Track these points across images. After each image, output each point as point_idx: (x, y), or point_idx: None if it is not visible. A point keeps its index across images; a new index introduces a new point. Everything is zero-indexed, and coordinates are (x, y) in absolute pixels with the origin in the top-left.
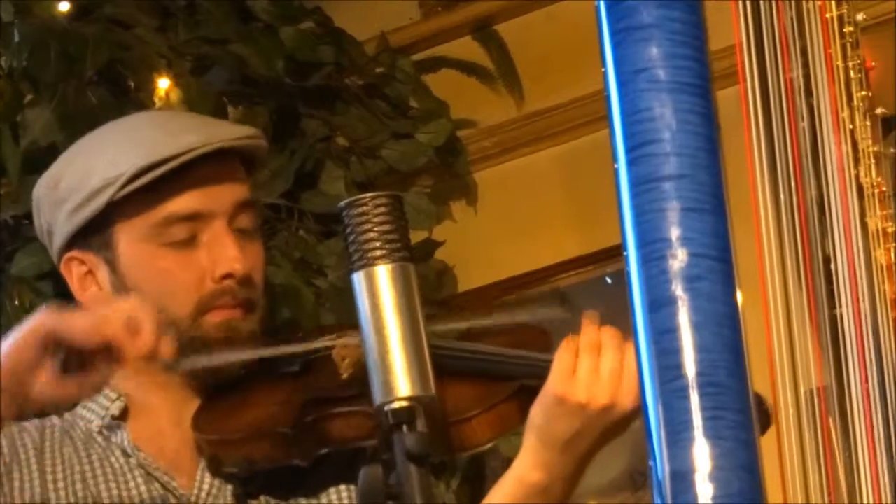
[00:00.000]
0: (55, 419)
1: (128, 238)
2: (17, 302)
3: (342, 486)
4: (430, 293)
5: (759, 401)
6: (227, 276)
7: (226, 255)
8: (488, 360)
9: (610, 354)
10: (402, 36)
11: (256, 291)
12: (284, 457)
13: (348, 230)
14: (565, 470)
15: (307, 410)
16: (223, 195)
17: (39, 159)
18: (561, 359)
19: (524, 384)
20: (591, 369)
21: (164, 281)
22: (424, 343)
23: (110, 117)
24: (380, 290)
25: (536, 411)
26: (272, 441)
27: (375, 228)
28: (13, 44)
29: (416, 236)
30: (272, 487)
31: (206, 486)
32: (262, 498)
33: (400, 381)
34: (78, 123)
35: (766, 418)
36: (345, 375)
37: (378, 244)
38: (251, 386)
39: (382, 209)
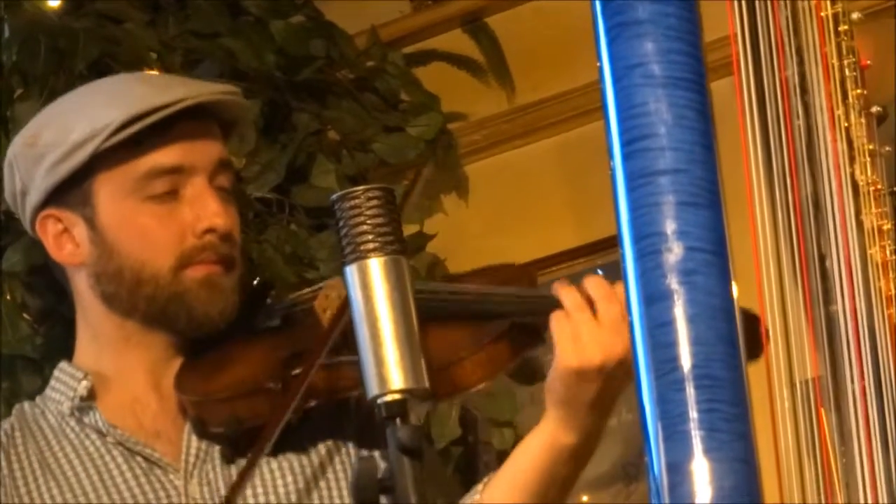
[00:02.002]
0: (13, 419)
1: (108, 192)
2: (8, 297)
3: (329, 441)
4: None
5: (753, 322)
6: (210, 230)
7: (208, 209)
8: (476, 301)
9: (603, 305)
10: (392, 29)
11: (236, 248)
12: (273, 412)
13: (340, 223)
14: (595, 427)
15: (293, 364)
16: (205, 151)
17: None
18: (559, 330)
19: (514, 321)
20: (592, 327)
21: (144, 235)
22: (417, 336)
23: None
24: (372, 283)
25: (556, 385)
26: (260, 397)
27: (368, 221)
28: (3, 38)
29: (407, 229)
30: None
31: (193, 450)
32: (251, 455)
33: (393, 373)
34: None
35: (758, 342)
36: (326, 325)
37: (370, 237)
38: (233, 343)
39: (375, 202)
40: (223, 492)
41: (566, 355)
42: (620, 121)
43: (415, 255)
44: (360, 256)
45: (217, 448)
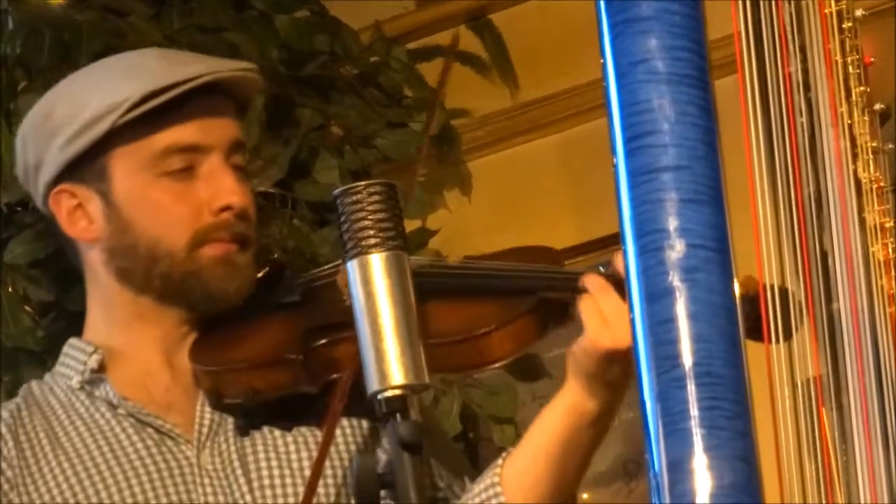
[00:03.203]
0: (19, 398)
1: (124, 168)
2: (10, 289)
3: (343, 420)
4: None
5: (786, 300)
6: (226, 208)
7: (224, 187)
8: (505, 276)
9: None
10: (396, 25)
11: (251, 227)
12: (292, 384)
13: (342, 218)
14: (613, 400)
15: (314, 336)
16: (222, 129)
17: None
18: (587, 312)
19: (542, 297)
20: (618, 308)
21: (160, 212)
22: (418, 332)
23: None
24: (374, 279)
25: (582, 359)
26: (280, 368)
27: (369, 217)
28: (7, 31)
29: (410, 225)
30: (274, 418)
31: (206, 421)
32: (265, 428)
33: (393, 369)
34: None
35: (789, 321)
36: (348, 302)
37: (372, 232)
38: (251, 316)
39: (377, 197)
40: (236, 463)
41: (594, 335)
42: (623, 117)
43: (417, 250)
44: (362, 252)
45: (230, 420)
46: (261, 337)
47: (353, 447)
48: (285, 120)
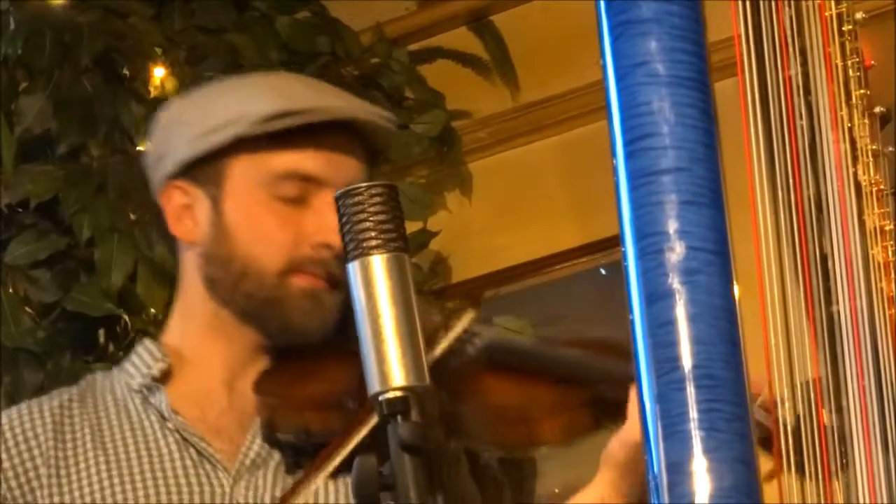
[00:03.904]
0: (76, 388)
1: (240, 179)
2: (10, 290)
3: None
4: (424, 283)
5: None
6: (326, 245)
7: (331, 224)
8: (570, 365)
9: None
10: (397, 26)
11: (344, 273)
12: (346, 430)
13: (343, 220)
14: (642, 491)
15: None
16: (345, 167)
17: (33, 147)
18: (633, 407)
19: (596, 394)
20: None
21: (263, 232)
22: (419, 333)
23: (104, 105)
24: (375, 280)
25: (619, 452)
26: (336, 413)
27: (371, 218)
28: (8, 31)
29: (411, 226)
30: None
31: (252, 453)
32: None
33: (394, 370)
34: (72, 111)
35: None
36: None
37: (373, 234)
38: (322, 357)
39: (378, 199)
40: (267, 500)
41: (637, 426)
42: (623, 119)
43: (418, 252)
44: (363, 253)
45: (277, 456)
46: (327, 378)
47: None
48: None
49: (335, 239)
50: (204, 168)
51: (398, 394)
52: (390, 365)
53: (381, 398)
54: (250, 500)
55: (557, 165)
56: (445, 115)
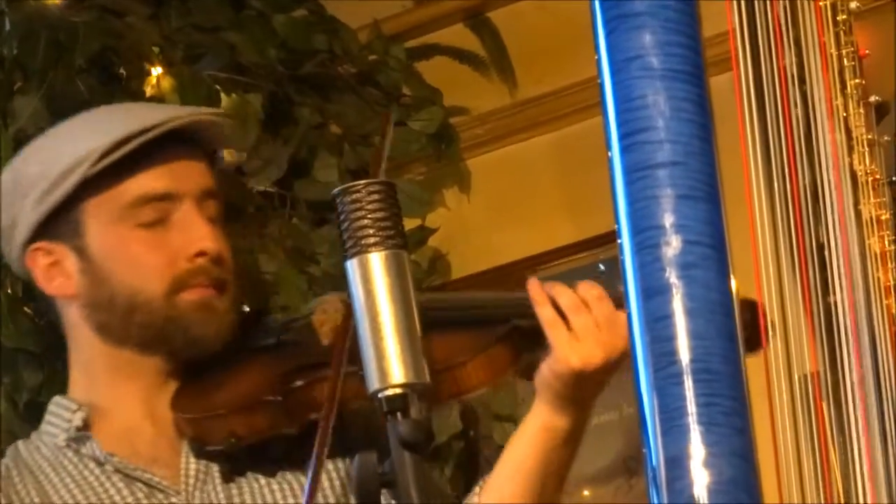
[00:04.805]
0: (7, 459)
1: (97, 220)
2: (9, 291)
3: (328, 462)
4: (424, 280)
5: (752, 310)
6: (201, 253)
7: (197, 233)
8: (476, 307)
9: (598, 305)
10: (394, 24)
11: (228, 272)
12: (273, 427)
13: (342, 217)
14: (585, 409)
15: (293, 378)
16: (192, 176)
17: None
18: (554, 331)
19: (514, 325)
20: (590, 325)
21: (136, 262)
22: (418, 330)
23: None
24: (373, 277)
25: (553, 383)
26: (260, 411)
27: (369, 216)
28: (4, 32)
29: (409, 224)
30: (257, 463)
31: (192, 471)
32: (250, 475)
33: (394, 367)
34: (67, 112)
35: (757, 333)
36: (325, 341)
37: (371, 231)
38: (229, 362)
39: (376, 196)
40: None
41: (564, 353)
42: (618, 113)
43: (417, 249)
44: (361, 251)
45: (216, 467)
46: (239, 381)
47: (337, 489)
48: (284, 119)
49: (206, 245)
50: (59, 223)
51: (398, 391)
52: (389, 362)
53: (380, 395)
54: None
55: (556, 161)
56: (443, 112)
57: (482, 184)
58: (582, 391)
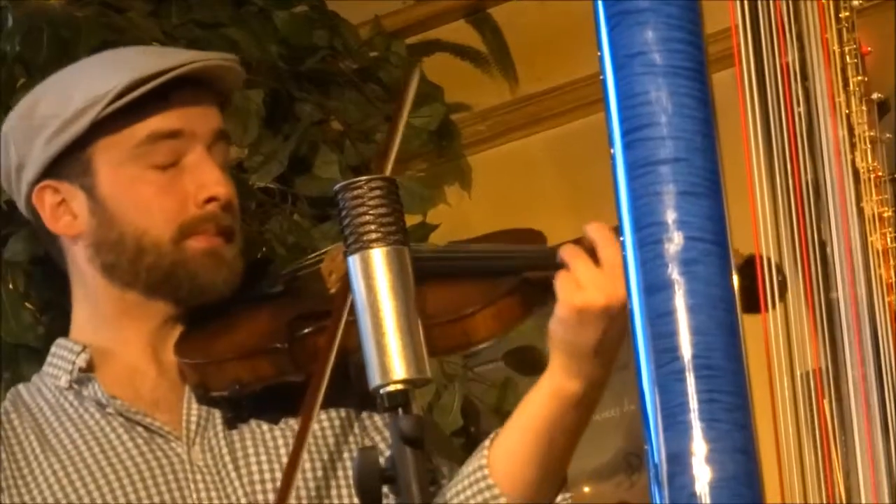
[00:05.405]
0: (7, 402)
1: (108, 160)
2: (10, 286)
3: (332, 410)
4: None
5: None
6: (211, 199)
7: (209, 178)
8: (488, 258)
9: (603, 250)
10: (395, 20)
11: (237, 219)
12: (278, 374)
13: (343, 213)
14: (599, 374)
15: (299, 325)
16: (204, 118)
17: None
18: (561, 281)
19: (525, 277)
20: (593, 272)
21: (146, 204)
22: (419, 326)
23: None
24: (375, 273)
25: (558, 329)
26: (265, 358)
27: (370, 212)
28: (6, 28)
29: (411, 220)
30: (260, 410)
31: (193, 417)
32: (253, 421)
33: (395, 363)
34: None
35: (755, 293)
36: (333, 290)
37: (373, 227)
38: (234, 309)
39: (377, 192)
40: (227, 458)
41: (567, 297)
42: (621, 110)
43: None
44: (363, 246)
45: (218, 413)
46: (246, 328)
47: (335, 437)
48: (285, 115)
49: (217, 190)
50: (69, 162)
51: (399, 387)
52: (391, 357)
53: (382, 391)
54: (209, 461)
55: (557, 158)
56: (444, 109)
57: (483, 180)
58: (585, 341)
